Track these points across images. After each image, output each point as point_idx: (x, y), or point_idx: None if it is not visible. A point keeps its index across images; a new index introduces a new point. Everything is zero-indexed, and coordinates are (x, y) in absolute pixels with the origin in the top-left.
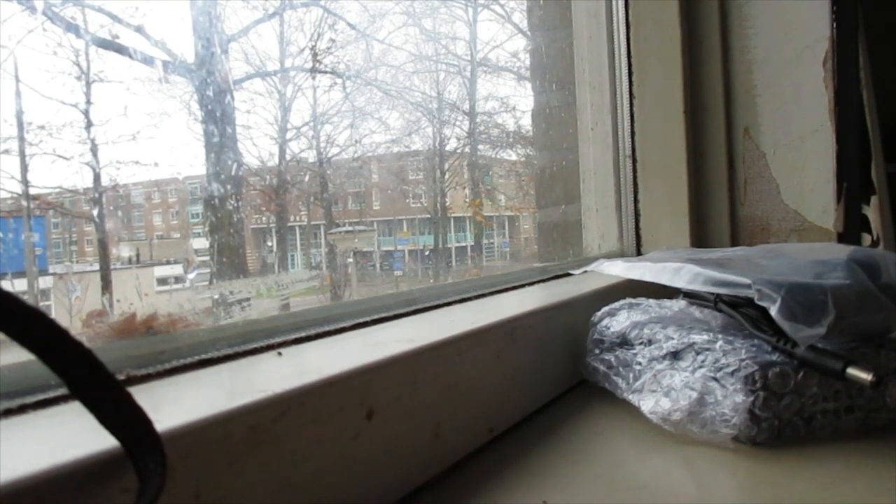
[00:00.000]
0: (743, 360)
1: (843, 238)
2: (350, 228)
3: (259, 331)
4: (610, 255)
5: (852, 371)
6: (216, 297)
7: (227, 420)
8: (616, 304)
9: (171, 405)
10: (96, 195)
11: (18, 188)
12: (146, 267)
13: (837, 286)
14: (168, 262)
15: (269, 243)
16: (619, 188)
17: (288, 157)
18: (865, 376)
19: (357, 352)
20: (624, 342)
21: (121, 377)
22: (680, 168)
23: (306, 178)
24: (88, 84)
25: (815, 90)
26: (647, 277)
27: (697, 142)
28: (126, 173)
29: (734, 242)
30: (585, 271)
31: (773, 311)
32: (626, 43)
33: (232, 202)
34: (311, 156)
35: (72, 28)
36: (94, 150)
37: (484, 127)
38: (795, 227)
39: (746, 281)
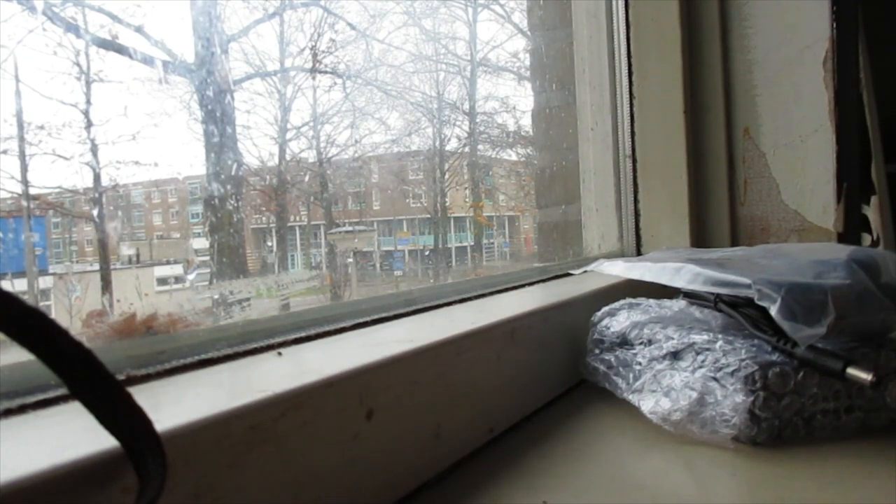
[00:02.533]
0: (743, 360)
1: (843, 238)
2: (350, 228)
3: (259, 331)
4: (610, 255)
5: (852, 371)
6: (216, 297)
7: (227, 420)
8: (616, 304)
9: (171, 405)
10: (96, 195)
11: (18, 188)
12: (146, 267)
13: (837, 286)
14: (168, 262)
15: (269, 243)
16: (619, 188)
17: (288, 157)
18: (865, 376)
19: (357, 352)
20: (624, 342)
21: (121, 377)
22: (680, 168)
23: (306, 178)
24: (88, 84)
25: (815, 90)
26: (647, 277)
27: (697, 142)
28: (126, 173)
29: (734, 242)
30: (585, 271)
31: (773, 310)
32: (626, 43)
33: (232, 202)
34: (311, 156)
35: (72, 28)
36: (94, 150)
37: (484, 127)
38: (795, 227)
39: (746, 281)
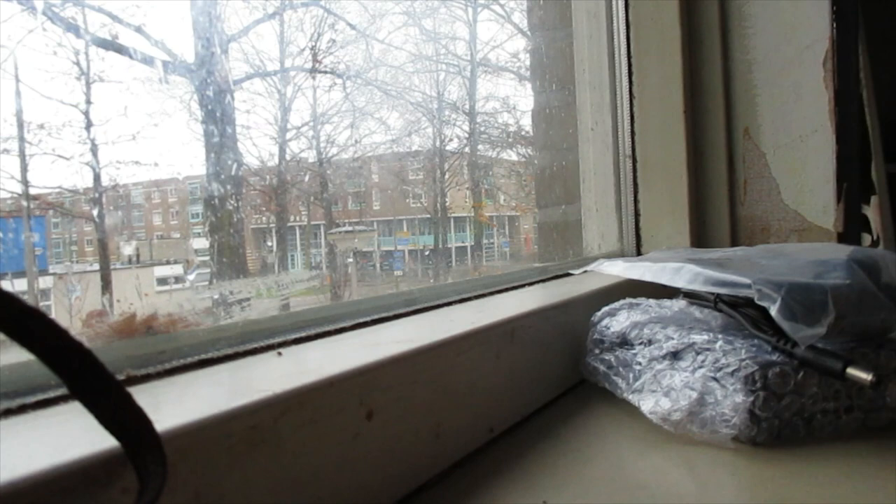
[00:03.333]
0: (743, 360)
1: (843, 238)
2: (350, 228)
3: (259, 331)
4: (610, 255)
5: (852, 371)
6: (216, 297)
7: (227, 420)
8: (616, 304)
9: (171, 405)
10: (96, 195)
11: (18, 188)
12: (146, 267)
13: (837, 286)
14: (168, 262)
15: (269, 243)
16: (619, 188)
17: (288, 157)
18: (865, 376)
19: (357, 352)
20: (624, 342)
21: (121, 377)
22: (680, 168)
23: (306, 178)
24: (88, 84)
25: (815, 90)
26: (647, 277)
27: (697, 142)
28: (126, 173)
29: (734, 242)
30: (585, 271)
31: (773, 310)
32: (626, 43)
33: (232, 202)
34: (311, 156)
35: (72, 28)
36: (94, 150)
37: (484, 127)
38: (795, 227)
39: (746, 281)
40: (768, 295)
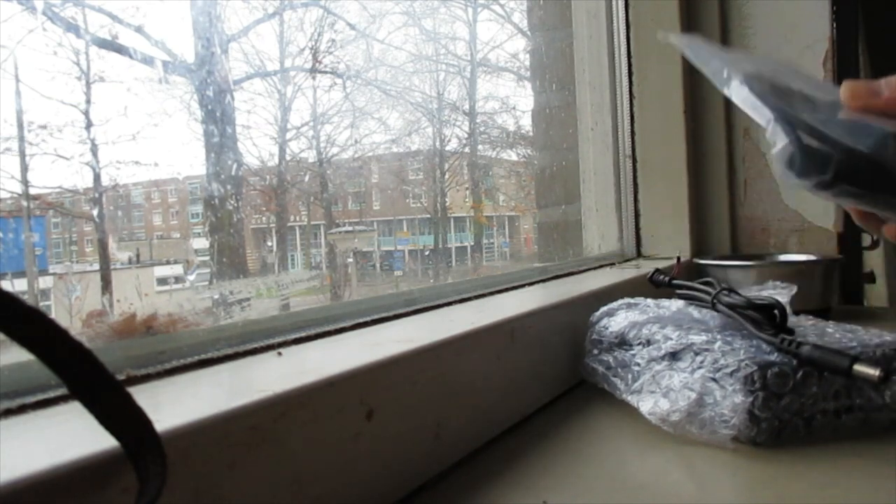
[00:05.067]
0: (742, 360)
1: (842, 238)
2: (350, 228)
3: (259, 331)
4: (610, 256)
5: (859, 368)
6: (216, 297)
7: (227, 420)
8: (614, 304)
9: (171, 405)
10: (96, 195)
11: (18, 188)
12: (146, 267)
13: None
14: (168, 262)
15: (269, 243)
16: (619, 188)
17: (288, 157)
18: (873, 372)
19: (357, 352)
20: (622, 342)
21: (121, 377)
22: (680, 168)
23: (306, 178)
24: (88, 84)
25: None
26: (706, 72)
27: (697, 142)
28: (126, 173)
29: (734, 242)
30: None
31: (774, 151)
32: (626, 43)
33: (232, 202)
34: (311, 156)
35: (72, 28)
36: (94, 150)
37: (484, 127)
38: (795, 227)
39: (768, 115)
40: (777, 133)
